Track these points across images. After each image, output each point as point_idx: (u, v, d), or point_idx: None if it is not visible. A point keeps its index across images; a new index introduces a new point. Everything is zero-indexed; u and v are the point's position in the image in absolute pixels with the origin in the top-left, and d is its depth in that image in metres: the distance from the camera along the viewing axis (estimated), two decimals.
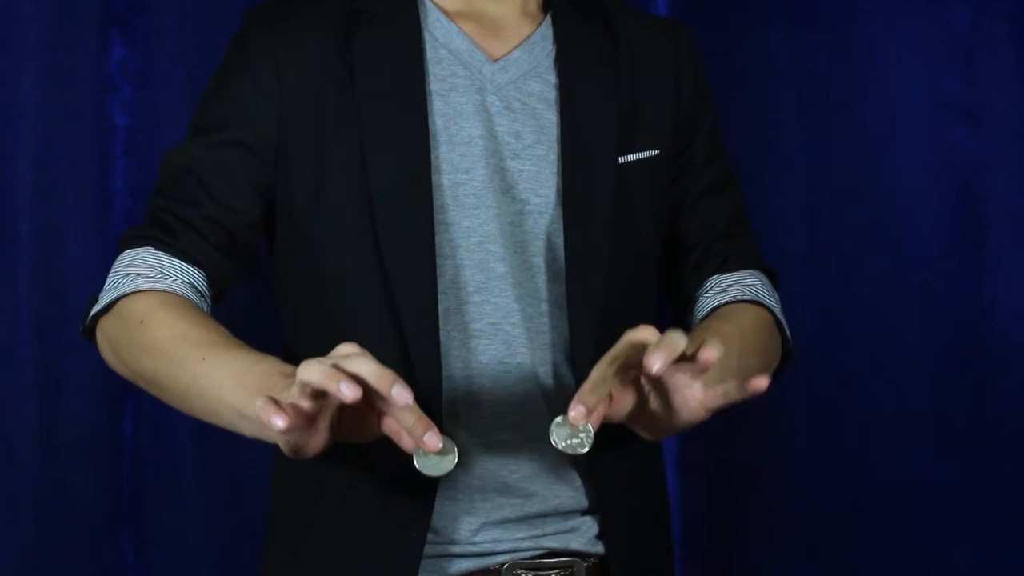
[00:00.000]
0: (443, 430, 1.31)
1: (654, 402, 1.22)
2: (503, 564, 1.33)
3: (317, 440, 1.16)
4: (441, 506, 1.32)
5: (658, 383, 1.20)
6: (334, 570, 1.33)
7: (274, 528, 1.41)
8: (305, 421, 1.12)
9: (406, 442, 1.15)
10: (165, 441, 1.80)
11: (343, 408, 1.15)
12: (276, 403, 1.08)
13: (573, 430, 1.19)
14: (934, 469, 1.78)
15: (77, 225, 1.78)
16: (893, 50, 1.80)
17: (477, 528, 1.33)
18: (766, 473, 1.88)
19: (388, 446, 1.29)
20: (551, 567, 1.35)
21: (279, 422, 1.07)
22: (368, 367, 1.09)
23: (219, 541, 1.81)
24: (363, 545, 1.31)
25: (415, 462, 1.16)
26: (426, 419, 1.12)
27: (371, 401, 1.13)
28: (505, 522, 1.33)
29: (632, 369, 1.18)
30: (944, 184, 1.78)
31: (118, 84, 1.79)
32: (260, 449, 1.46)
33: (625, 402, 1.22)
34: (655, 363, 1.11)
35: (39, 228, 1.77)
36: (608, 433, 1.35)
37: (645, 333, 1.15)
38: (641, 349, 1.14)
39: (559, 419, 1.19)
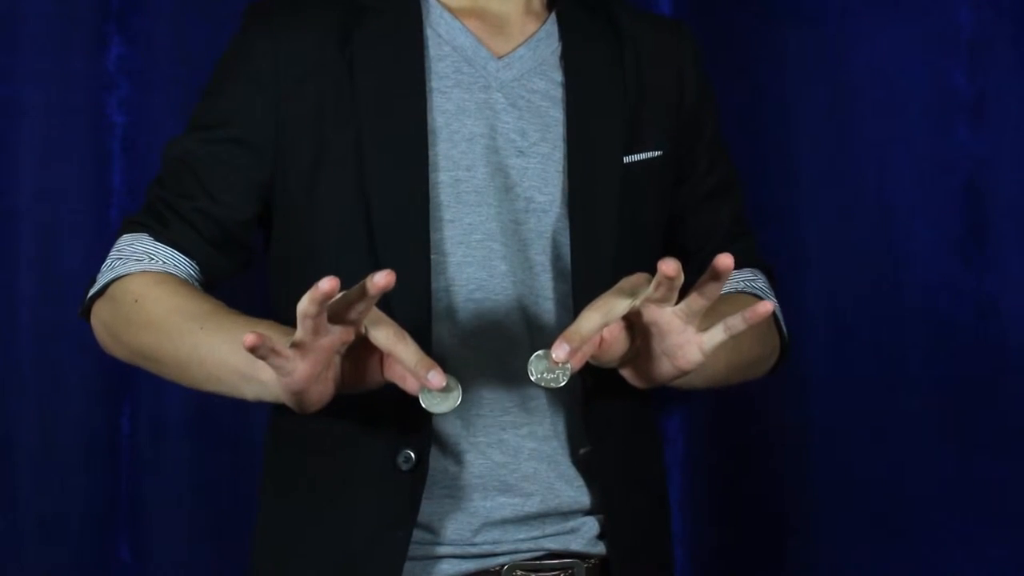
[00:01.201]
0: (442, 430, 1.31)
1: (641, 341, 1.22)
2: (503, 566, 1.33)
3: (320, 390, 1.16)
4: (440, 506, 1.31)
5: (651, 327, 1.20)
6: (328, 566, 1.32)
7: (264, 513, 1.40)
8: (311, 362, 1.12)
9: (410, 384, 1.16)
10: (162, 441, 1.80)
11: (346, 357, 1.17)
12: (260, 337, 1.08)
13: (551, 365, 1.18)
14: (938, 469, 1.77)
15: (76, 224, 1.77)
16: (895, 46, 1.80)
17: (476, 528, 1.32)
18: (771, 474, 1.87)
19: (380, 445, 1.29)
20: (551, 568, 1.34)
21: (248, 337, 1.07)
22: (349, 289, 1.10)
23: (216, 541, 1.81)
24: (350, 542, 1.30)
25: (421, 401, 1.17)
26: (428, 359, 1.13)
27: (371, 345, 1.15)
28: (505, 522, 1.33)
29: (629, 299, 1.18)
30: (947, 181, 1.77)
31: (116, 82, 1.79)
32: (258, 449, 1.46)
33: (617, 346, 1.22)
34: (670, 264, 1.12)
35: (39, 227, 1.77)
36: (608, 433, 1.35)
37: (638, 277, 1.17)
38: (636, 289, 1.16)
39: (540, 352, 1.19)
